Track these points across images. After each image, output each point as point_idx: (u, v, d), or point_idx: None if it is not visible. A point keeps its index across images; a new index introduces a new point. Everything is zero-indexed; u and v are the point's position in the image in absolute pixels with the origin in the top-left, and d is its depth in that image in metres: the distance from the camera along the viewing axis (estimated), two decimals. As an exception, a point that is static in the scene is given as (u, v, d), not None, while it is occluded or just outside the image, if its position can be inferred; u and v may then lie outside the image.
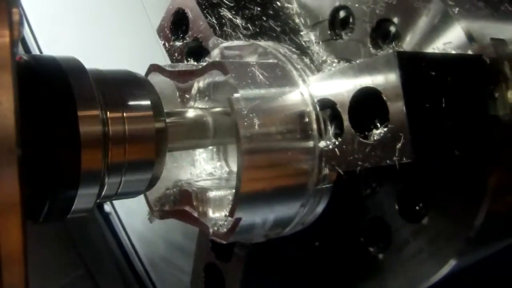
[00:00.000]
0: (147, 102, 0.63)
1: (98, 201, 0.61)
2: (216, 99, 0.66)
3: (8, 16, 0.43)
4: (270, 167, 0.61)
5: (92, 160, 0.56)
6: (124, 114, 0.60)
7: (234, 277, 0.72)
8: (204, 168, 0.75)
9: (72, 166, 0.55)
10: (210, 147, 0.74)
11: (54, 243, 1.29)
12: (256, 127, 0.58)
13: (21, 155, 0.43)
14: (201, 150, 0.74)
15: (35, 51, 1.30)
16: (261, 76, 0.60)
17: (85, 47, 1.24)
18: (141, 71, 0.71)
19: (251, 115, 0.58)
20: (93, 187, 0.58)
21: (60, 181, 0.55)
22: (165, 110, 0.64)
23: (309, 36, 0.75)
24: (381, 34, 0.70)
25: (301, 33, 0.75)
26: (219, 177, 0.74)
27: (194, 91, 0.65)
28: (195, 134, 0.71)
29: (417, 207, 0.70)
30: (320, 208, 0.68)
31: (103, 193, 0.61)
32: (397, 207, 0.71)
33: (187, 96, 0.66)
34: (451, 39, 0.65)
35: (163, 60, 0.77)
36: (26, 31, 1.30)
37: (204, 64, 0.64)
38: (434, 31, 0.66)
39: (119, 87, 0.61)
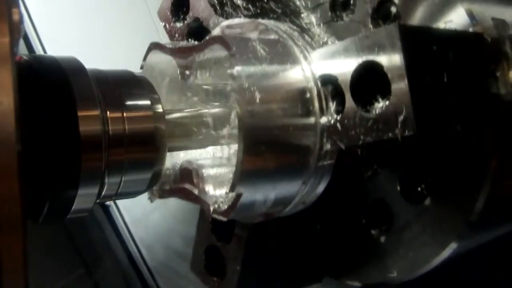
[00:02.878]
0: (147, 102, 0.63)
1: (98, 201, 0.61)
2: (217, 75, 0.65)
3: (8, 16, 0.43)
4: (271, 143, 0.60)
5: (92, 160, 0.56)
6: (124, 114, 0.60)
7: (235, 258, 0.72)
8: (204, 149, 0.75)
9: (72, 166, 0.55)
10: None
11: (53, 243, 1.29)
12: (257, 101, 0.58)
13: (21, 154, 0.43)
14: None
15: (39, 50, 1.30)
16: (262, 51, 0.60)
17: (86, 41, 1.24)
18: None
19: (252, 88, 0.58)
20: (93, 187, 0.58)
21: (60, 181, 0.55)
22: (165, 109, 0.64)
23: (309, 18, 0.75)
24: (382, 14, 0.69)
25: (302, 15, 0.75)
26: (220, 156, 0.74)
27: (194, 66, 0.65)
28: (195, 134, 0.71)
29: (419, 188, 0.70)
30: (321, 188, 0.68)
31: (103, 193, 0.61)
32: (399, 188, 0.71)
33: (188, 72, 0.66)
34: (451, 18, 0.65)
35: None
36: (30, 30, 1.30)
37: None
38: (435, 11, 0.66)
39: (119, 87, 0.61)
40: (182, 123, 0.70)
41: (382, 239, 0.74)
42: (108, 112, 0.58)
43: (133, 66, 0.70)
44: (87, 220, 1.30)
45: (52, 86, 0.55)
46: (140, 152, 0.62)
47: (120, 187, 0.62)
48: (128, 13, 1.23)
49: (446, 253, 0.69)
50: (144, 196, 0.71)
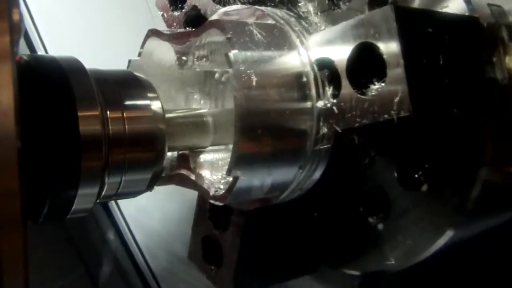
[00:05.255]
0: (147, 102, 0.63)
1: (98, 201, 0.61)
2: (214, 60, 0.65)
3: (8, 16, 0.43)
4: (268, 126, 0.60)
5: (92, 160, 0.56)
6: (124, 114, 0.60)
7: (231, 246, 0.71)
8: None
9: (72, 166, 0.55)
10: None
11: (53, 243, 1.29)
12: (254, 84, 0.58)
13: (21, 154, 0.43)
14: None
15: (40, 50, 1.30)
16: (259, 35, 0.60)
17: (88, 43, 1.24)
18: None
19: (248, 72, 0.58)
20: (93, 187, 0.58)
21: (60, 181, 0.55)
22: (165, 109, 0.65)
23: (307, 7, 0.75)
24: (378, 2, 0.70)
25: (299, 3, 0.75)
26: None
27: (191, 52, 0.65)
28: (195, 134, 0.71)
29: (416, 175, 0.70)
30: (318, 174, 0.68)
31: (103, 193, 0.61)
32: (396, 175, 0.71)
33: (184, 58, 0.66)
34: (448, 4, 0.65)
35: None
36: (31, 30, 1.30)
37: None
38: (431, -2, 0.66)
39: (119, 87, 0.61)
40: (182, 123, 0.71)
41: (380, 226, 0.74)
42: (108, 112, 0.59)
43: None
44: (87, 221, 1.30)
45: (52, 86, 0.55)
46: (140, 152, 0.62)
47: (120, 187, 0.61)
48: (129, 11, 1.23)
49: (442, 240, 0.69)
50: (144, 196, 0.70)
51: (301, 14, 0.75)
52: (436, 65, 0.57)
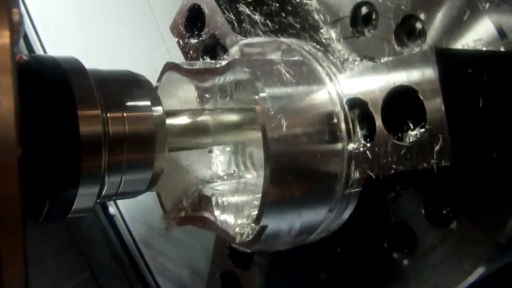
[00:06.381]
0: (147, 102, 0.62)
1: (98, 200, 0.60)
2: (238, 98, 0.62)
3: (8, 16, 0.43)
4: (298, 171, 0.57)
5: (92, 159, 0.56)
6: (124, 114, 0.59)
7: (254, 285, 0.69)
8: (220, 171, 0.72)
9: (72, 166, 0.54)
10: (228, 149, 0.71)
11: (59, 248, 1.27)
12: (284, 128, 0.55)
13: (21, 155, 0.43)
14: (217, 152, 0.71)
15: (39, 51, 1.28)
16: (287, 75, 0.57)
17: (89, 47, 1.21)
18: (147, 70, 0.69)
19: (278, 115, 0.55)
20: (93, 186, 0.57)
21: (60, 181, 0.54)
22: (165, 110, 0.63)
23: (329, 34, 0.72)
24: (406, 30, 0.66)
25: (321, 30, 0.72)
26: (237, 181, 0.71)
27: (214, 90, 0.62)
28: (195, 134, 0.70)
29: (444, 211, 0.67)
30: (346, 214, 0.65)
31: (104, 192, 0.60)
32: (423, 211, 0.68)
33: (207, 95, 0.63)
34: (481, 36, 0.62)
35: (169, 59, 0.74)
36: (30, 31, 1.28)
37: (225, 61, 0.61)
38: (462, 27, 0.63)
39: (119, 87, 0.61)
40: (182, 124, 0.68)
41: (405, 262, 0.71)
42: (108, 113, 0.58)
43: (135, 66, 0.68)
44: (93, 226, 1.29)
45: (52, 86, 0.54)
46: (140, 152, 0.61)
47: (120, 186, 0.61)
48: (129, 12, 1.20)
49: (472, 278, 0.66)
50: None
51: (323, 41, 0.71)
52: (476, 108, 0.54)
